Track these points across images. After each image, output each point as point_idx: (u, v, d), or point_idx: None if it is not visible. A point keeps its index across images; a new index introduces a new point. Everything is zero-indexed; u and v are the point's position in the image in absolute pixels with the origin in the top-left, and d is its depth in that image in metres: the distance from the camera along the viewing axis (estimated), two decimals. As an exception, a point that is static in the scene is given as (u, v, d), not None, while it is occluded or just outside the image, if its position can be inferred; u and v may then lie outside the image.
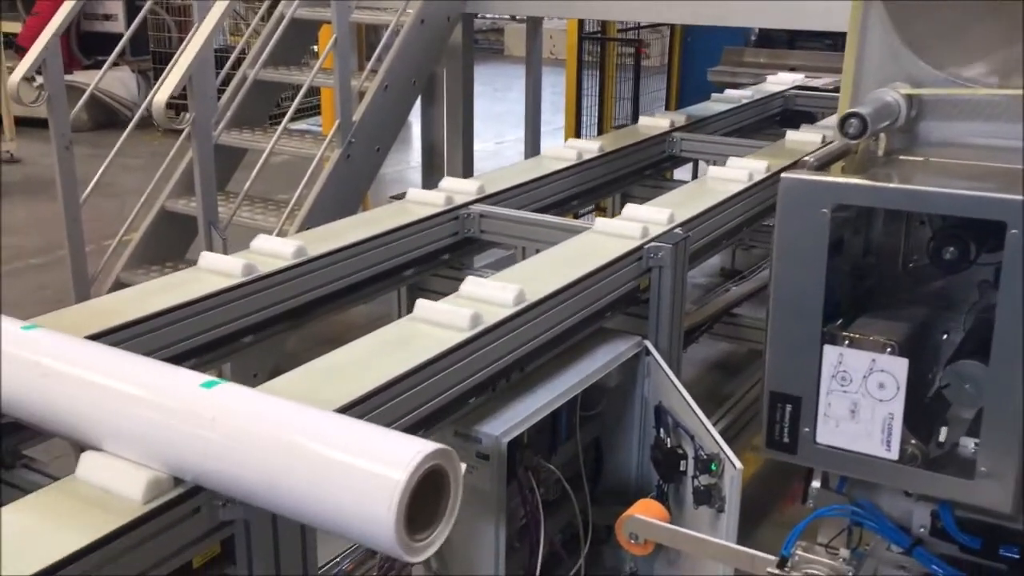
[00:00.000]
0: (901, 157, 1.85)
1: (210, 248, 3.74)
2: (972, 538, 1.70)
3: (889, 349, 1.66)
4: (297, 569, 1.66)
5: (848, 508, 1.77)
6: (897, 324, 1.76)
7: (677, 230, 2.86)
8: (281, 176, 5.20)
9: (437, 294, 2.55)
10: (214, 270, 2.47)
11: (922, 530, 1.69)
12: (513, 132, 9.85)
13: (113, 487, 1.52)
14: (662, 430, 2.51)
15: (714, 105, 4.88)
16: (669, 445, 2.46)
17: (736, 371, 4.60)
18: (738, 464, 2.14)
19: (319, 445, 1.42)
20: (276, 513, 1.50)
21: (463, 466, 1.45)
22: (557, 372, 2.47)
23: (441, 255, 3.09)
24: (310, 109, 8.99)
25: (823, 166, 1.82)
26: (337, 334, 2.09)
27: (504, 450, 2.17)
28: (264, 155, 3.90)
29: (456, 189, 3.23)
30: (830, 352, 1.72)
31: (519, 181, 3.40)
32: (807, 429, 1.75)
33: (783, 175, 1.74)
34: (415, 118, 7.49)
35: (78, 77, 9.00)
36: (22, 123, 9.21)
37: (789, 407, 1.75)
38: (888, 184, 1.72)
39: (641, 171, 4.13)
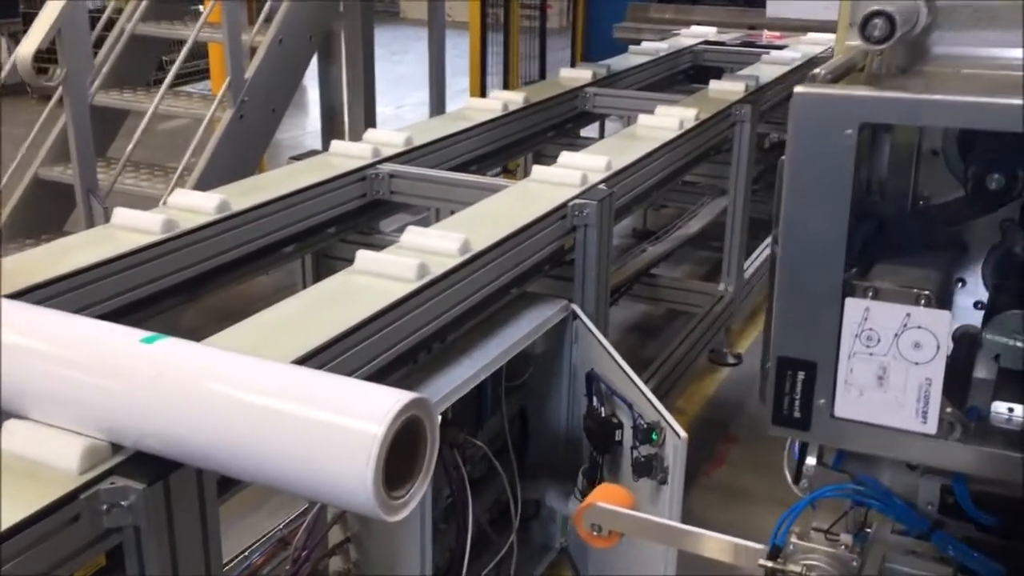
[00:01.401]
0: (925, 69, 1.56)
1: (89, 219, 3.42)
2: (989, 516, 1.48)
3: (924, 300, 1.40)
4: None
5: (849, 487, 1.52)
6: (926, 272, 1.49)
7: (602, 186, 2.70)
8: (169, 146, 4.84)
9: (345, 261, 2.35)
10: (130, 227, 2.26)
11: (929, 507, 1.48)
12: (413, 95, 9.56)
13: (44, 458, 1.34)
14: (595, 398, 2.36)
15: (632, 58, 4.74)
16: (603, 414, 2.31)
17: (655, 333, 4.49)
18: (682, 433, 2.00)
19: (285, 400, 1.25)
20: (236, 478, 1.33)
21: (439, 416, 1.28)
22: (480, 341, 2.29)
23: (348, 220, 2.87)
24: (197, 73, 8.53)
25: (837, 80, 1.52)
26: (236, 309, 1.88)
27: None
28: (147, 115, 3.58)
29: (383, 141, 3.00)
30: (853, 307, 1.42)
31: (437, 136, 3.18)
32: (823, 400, 1.48)
33: (796, 89, 1.44)
34: (310, 82, 7.13)
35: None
36: None
37: (801, 375, 1.46)
38: (942, 96, 1.37)
39: (556, 127, 3.95)
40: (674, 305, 4.24)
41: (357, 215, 2.87)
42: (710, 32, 5.52)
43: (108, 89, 4.05)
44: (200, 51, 7.65)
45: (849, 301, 1.44)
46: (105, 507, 1.31)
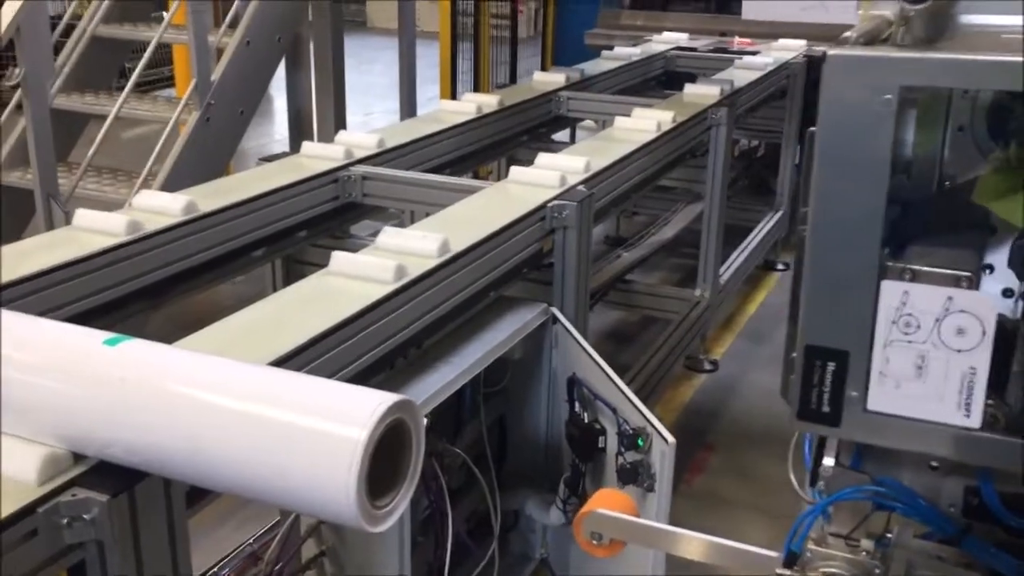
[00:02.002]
0: (957, 37, 1.45)
1: (49, 224, 3.30)
2: (1020, 518, 1.38)
3: (966, 283, 1.30)
4: (169, 596, 1.35)
5: (870, 489, 1.42)
6: (963, 253, 1.37)
7: (581, 187, 2.64)
8: (135, 153, 4.70)
9: (317, 266, 2.27)
10: (93, 229, 2.17)
11: (952, 509, 1.40)
12: (381, 104, 9.47)
13: None
14: (577, 404, 2.29)
15: (604, 63, 4.70)
16: (586, 420, 2.24)
17: (631, 339, 4.44)
18: (670, 438, 1.94)
19: (259, 403, 1.17)
20: (208, 487, 1.24)
21: (424, 420, 1.20)
22: (458, 346, 2.21)
23: (320, 223, 2.78)
24: (162, 81, 8.39)
25: (869, 44, 1.40)
26: (205, 316, 1.80)
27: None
28: (110, 117, 3.46)
29: (355, 143, 2.92)
30: (890, 290, 1.31)
31: (410, 138, 3.11)
32: (855, 393, 1.36)
33: (830, 52, 1.32)
34: (277, 91, 6.99)
35: None
36: None
37: (832, 366, 1.34)
38: (1000, 57, 1.25)
39: (530, 131, 3.90)
40: (650, 311, 4.20)
41: (329, 218, 2.79)
42: (682, 38, 5.51)
43: (70, 92, 3.92)
44: (164, 58, 7.52)
45: (886, 284, 1.33)
46: (66, 521, 1.22)
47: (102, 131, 3.44)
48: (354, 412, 1.13)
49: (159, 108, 3.85)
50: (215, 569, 2.26)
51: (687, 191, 5.11)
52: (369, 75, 11.67)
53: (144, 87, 6.58)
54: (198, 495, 1.45)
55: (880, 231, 1.31)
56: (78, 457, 1.28)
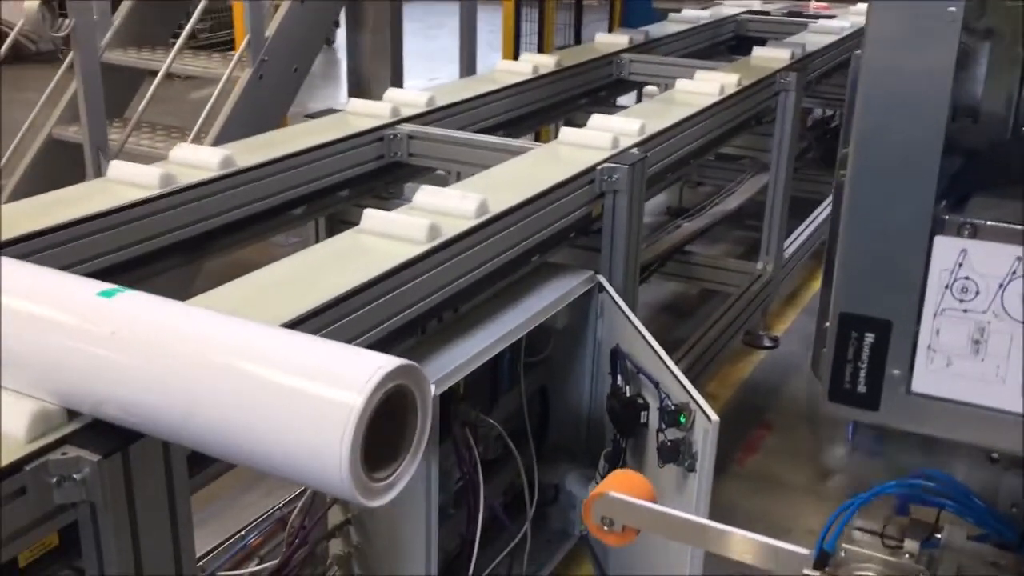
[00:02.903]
0: None
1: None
2: None
3: None
4: (167, 562, 1.29)
5: (917, 484, 1.21)
6: None
7: (634, 150, 2.51)
8: (198, 114, 4.70)
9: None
10: (127, 181, 2.11)
11: (1014, 510, 1.18)
12: (447, 70, 9.36)
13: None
14: (619, 377, 2.18)
15: (670, 25, 4.53)
16: (628, 394, 2.13)
17: (688, 313, 4.30)
18: (713, 416, 1.82)
19: (251, 362, 1.09)
20: (198, 450, 1.16)
21: (432, 387, 1.12)
22: (497, 312, 2.12)
23: (363, 183, 2.70)
24: (228, 44, 8.40)
25: None
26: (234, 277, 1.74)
27: (436, 403, 1.81)
28: (161, 72, 3.43)
29: (403, 101, 2.83)
30: (945, 248, 1.10)
31: (462, 96, 3.01)
32: (897, 371, 1.17)
33: None
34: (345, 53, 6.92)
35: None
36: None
37: (870, 338, 1.13)
38: None
39: (590, 94, 3.76)
40: (708, 284, 4.04)
41: (373, 178, 2.71)
42: (754, 2, 5.29)
43: (127, 48, 3.90)
44: (228, 21, 7.51)
45: (939, 240, 1.12)
46: (55, 480, 1.16)
47: (152, 86, 3.41)
48: (351, 376, 1.03)
49: (213, 64, 3.81)
50: (241, 533, 2.20)
51: (755, 161, 4.91)
52: (436, 40, 11.58)
53: (210, 49, 6.55)
54: (205, 461, 1.38)
55: (935, 177, 1.09)
56: (73, 415, 1.22)
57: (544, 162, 2.47)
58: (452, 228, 1.92)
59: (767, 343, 4.04)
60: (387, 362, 1.05)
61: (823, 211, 4.65)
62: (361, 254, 1.82)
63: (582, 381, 2.40)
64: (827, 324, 1.18)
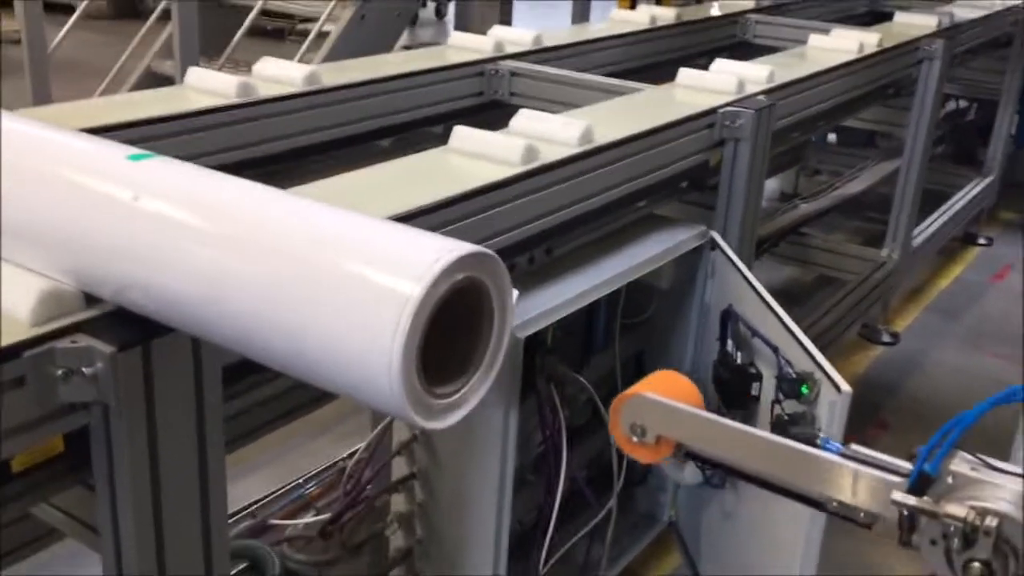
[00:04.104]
0: None
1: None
2: None
3: None
4: (190, 483, 1.09)
5: None
6: None
7: (761, 96, 2.23)
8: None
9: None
10: (203, 88, 1.96)
11: None
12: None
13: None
14: (729, 342, 1.91)
15: (804, -10, 4.20)
16: (739, 361, 1.87)
17: (799, 300, 3.96)
18: (844, 386, 1.55)
19: (291, 240, 0.89)
20: (224, 345, 0.95)
21: (515, 293, 0.89)
22: (594, 258, 1.88)
23: (459, 120, 2.49)
24: None
25: None
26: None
27: (519, 349, 1.59)
28: (255, 10, 3.29)
29: (508, 38, 2.61)
30: None
31: (571, 40, 2.77)
32: None
33: None
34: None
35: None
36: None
37: None
38: None
39: (709, 54, 3.47)
40: (825, 269, 3.72)
41: (470, 115, 2.49)
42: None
43: (229, -13, 3.79)
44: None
45: None
46: (61, 372, 0.97)
47: (247, 22, 3.27)
48: (410, 260, 0.82)
49: (315, 3, 3.66)
50: (299, 481, 2.03)
51: (882, 144, 4.55)
52: (552, 20, 11.36)
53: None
54: (245, 368, 1.17)
55: None
56: (94, 302, 1.03)
57: (659, 102, 2.22)
58: (552, 154, 1.69)
59: (886, 338, 3.69)
60: (456, 247, 0.83)
61: (957, 202, 4.26)
62: (446, 172, 1.62)
63: (684, 348, 2.14)
64: None
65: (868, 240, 4.39)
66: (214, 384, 1.09)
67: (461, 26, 5.19)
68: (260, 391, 1.62)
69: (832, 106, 2.71)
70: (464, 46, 2.58)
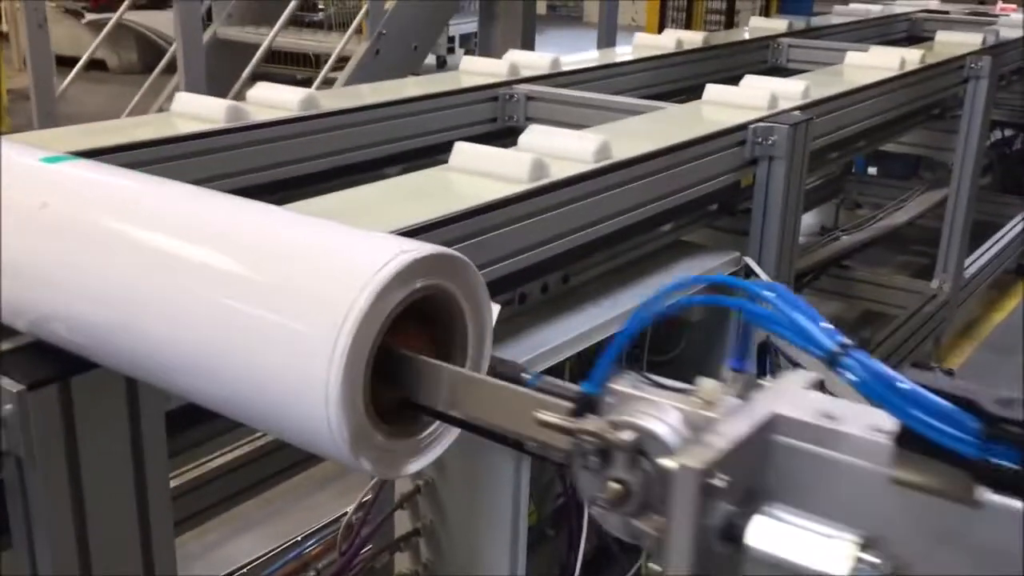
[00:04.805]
0: None
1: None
2: None
3: None
4: (129, 546, 0.92)
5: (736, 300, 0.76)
6: None
7: (796, 112, 2.06)
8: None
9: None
10: (190, 114, 1.84)
11: None
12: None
13: None
14: (768, 377, 1.72)
15: (836, 17, 4.05)
16: (779, 399, 1.67)
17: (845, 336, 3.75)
18: (902, 423, 1.35)
19: (220, 249, 0.73)
20: (143, 379, 0.80)
21: (496, 307, 0.72)
22: (615, 288, 1.71)
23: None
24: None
25: None
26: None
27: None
28: (264, 45, 3.20)
29: (524, 62, 2.47)
30: None
31: (591, 64, 2.63)
32: None
33: None
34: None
35: (131, 16, 8.49)
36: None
37: None
38: None
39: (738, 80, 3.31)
40: (871, 304, 3.50)
41: (482, 142, 2.33)
42: (931, 1, 4.73)
43: (244, 24, 3.72)
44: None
45: None
46: (-35, 415, 0.81)
47: (255, 58, 3.18)
48: (356, 264, 0.65)
49: (329, 39, 3.57)
50: (298, 539, 1.85)
51: (926, 174, 4.34)
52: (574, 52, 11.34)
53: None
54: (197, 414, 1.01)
55: None
56: (7, 333, 0.88)
57: (684, 119, 2.06)
58: (563, 171, 1.53)
59: (939, 377, 3.45)
60: (414, 247, 0.66)
61: (1008, 232, 4.03)
62: (446, 189, 1.46)
63: (719, 386, 1.95)
64: None
65: (915, 274, 4.17)
66: (156, 428, 0.92)
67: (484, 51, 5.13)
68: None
69: (872, 125, 2.53)
70: (477, 71, 2.44)
